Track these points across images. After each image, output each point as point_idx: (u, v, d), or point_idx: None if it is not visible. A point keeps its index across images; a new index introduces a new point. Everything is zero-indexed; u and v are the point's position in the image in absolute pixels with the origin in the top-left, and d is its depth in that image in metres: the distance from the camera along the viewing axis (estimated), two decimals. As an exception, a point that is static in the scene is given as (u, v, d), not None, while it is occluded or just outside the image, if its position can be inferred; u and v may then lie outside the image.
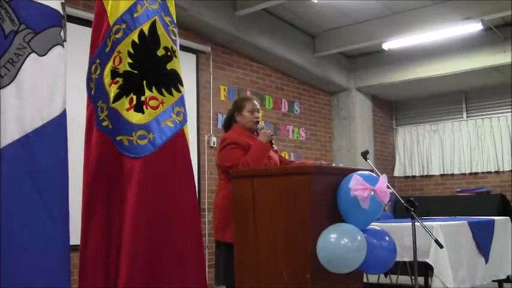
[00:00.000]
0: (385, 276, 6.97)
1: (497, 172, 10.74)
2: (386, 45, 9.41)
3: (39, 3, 2.57)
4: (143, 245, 3.06)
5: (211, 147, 8.05)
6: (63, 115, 2.63)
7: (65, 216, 2.58)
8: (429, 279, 4.87)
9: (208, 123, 8.17)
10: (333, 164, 5.36)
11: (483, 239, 5.26)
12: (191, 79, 7.79)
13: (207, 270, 3.63)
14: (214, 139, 8.11)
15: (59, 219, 2.53)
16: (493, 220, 5.65)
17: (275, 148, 4.45)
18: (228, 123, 4.64)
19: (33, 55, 2.52)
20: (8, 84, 2.45)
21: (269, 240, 3.61)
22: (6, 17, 2.47)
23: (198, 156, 7.80)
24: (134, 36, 3.18)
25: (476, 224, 5.21)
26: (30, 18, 2.53)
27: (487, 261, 5.24)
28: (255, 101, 4.56)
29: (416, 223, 3.96)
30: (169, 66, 3.25)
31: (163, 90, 3.21)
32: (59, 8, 2.66)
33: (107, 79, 3.20)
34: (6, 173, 2.39)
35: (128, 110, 3.16)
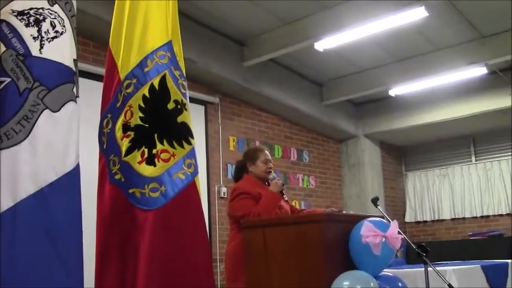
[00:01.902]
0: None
1: (508, 214, 10.62)
2: (393, 92, 9.49)
3: (52, 61, 2.62)
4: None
5: (222, 197, 8.04)
6: (76, 169, 2.66)
7: (79, 266, 2.60)
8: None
9: (218, 173, 8.18)
10: (344, 211, 5.36)
11: (497, 282, 5.22)
12: (200, 130, 7.83)
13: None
14: (224, 189, 8.11)
15: (73, 269, 2.55)
16: (507, 263, 5.62)
17: (286, 198, 4.47)
18: (239, 174, 4.67)
19: (46, 111, 2.55)
20: (23, 140, 2.48)
21: (282, 289, 3.60)
22: (21, 75, 2.52)
23: (209, 207, 7.79)
24: (145, 91, 3.24)
25: (489, 268, 5.18)
26: (43, 75, 2.57)
27: (501, 304, 5.21)
28: (266, 151, 4.63)
29: (429, 268, 3.94)
30: (179, 119, 3.29)
31: (174, 143, 3.24)
32: (72, 65, 2.71)
33: (118, 133, 3.24)
34: (21, 226, 2.42)
35: (139, 163, 3.19)
